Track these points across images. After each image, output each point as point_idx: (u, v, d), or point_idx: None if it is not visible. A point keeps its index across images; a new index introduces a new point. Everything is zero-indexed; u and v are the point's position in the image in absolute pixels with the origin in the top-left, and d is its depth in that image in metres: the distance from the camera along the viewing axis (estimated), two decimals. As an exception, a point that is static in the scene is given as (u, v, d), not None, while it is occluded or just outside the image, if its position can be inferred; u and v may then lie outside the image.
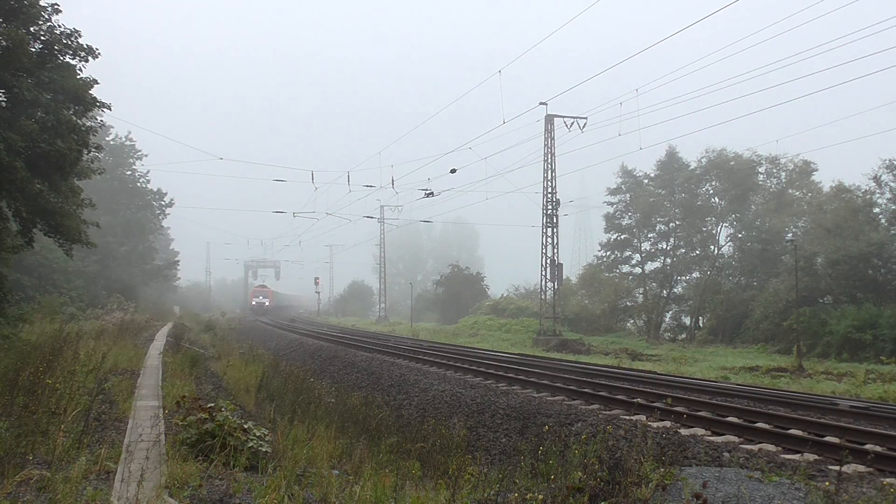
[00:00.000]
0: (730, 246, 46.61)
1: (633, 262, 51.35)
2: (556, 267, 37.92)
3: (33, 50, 16.23)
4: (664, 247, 49.83)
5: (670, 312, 49.44)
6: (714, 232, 47.07)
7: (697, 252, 47.86)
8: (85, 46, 17.20)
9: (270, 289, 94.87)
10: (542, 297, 38.68)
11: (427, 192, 34.74)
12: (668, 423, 9.81)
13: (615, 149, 34.14)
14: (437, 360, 21.37)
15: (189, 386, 12.52)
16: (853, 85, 22.09)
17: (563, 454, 7.71)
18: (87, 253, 29.04)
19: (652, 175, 49.46)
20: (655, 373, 20.07)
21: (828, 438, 8.79)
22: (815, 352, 28.43)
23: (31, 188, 15.85)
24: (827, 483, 5.64)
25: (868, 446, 8.06)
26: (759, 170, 44.59)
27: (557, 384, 14.83)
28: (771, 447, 8.53)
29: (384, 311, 73.70)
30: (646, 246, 50.54)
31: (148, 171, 52.64)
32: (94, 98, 17.69)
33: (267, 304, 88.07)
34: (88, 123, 18.65)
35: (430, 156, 35.34)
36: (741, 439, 9.10)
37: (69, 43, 17.00)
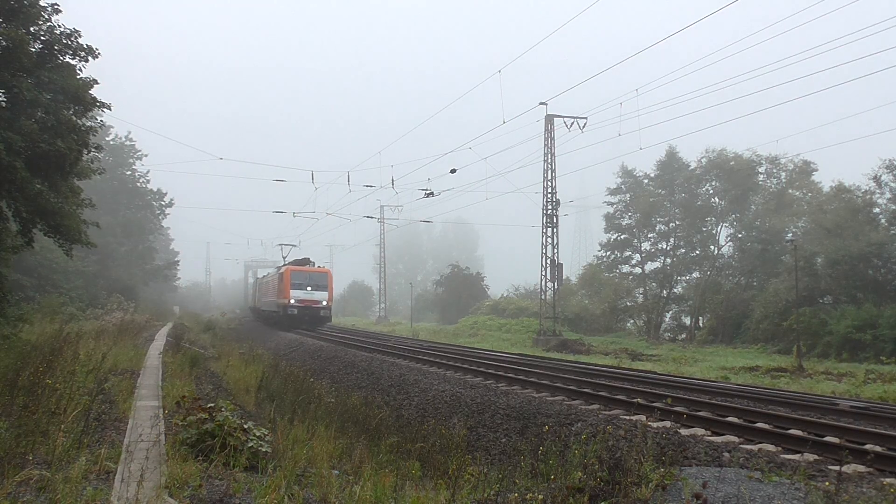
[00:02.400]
0: (730, 246, 46.67)
1: (633, 262, 51.36)
2: (556, 267, 37.91)
3: (33, 50, 16.23)
4: (664, 247, 49.84)
5: (670, 312, 49.46)
6: (714, 232, 47.09)
7: (697, 252, 47.86)
8: (85, 46, 17.21)
9: (327, 270, 46.21)
10: (542, 297, 38.68)
11: (427, 192, 34.71)
12: (668, 423, 9.81)
13: (615, 149, 34.12)
14: (437, 360, 21.37)
15: (189, 386, 12.51)
16: (853, 85, 22.10)
17: (562, 454, 7.71)
18: (87, 253, 29.05)
19: (652, 175, 49.48)
20: (655, 373, 20.06)
21: (828, 438, 8.78)
22: (815, 352, 28.43)
23: (31, 188, 15.85)
24: (827, 483, 5.64)
25: (868, 446, 8.06)
26: (759, 170, 44.62)
27: (557, 384, 14.82)
28: (771, 447, 8.53)
29: (384, 311, 73.69)
30: (646, 246, 50.57)
31: (148, 171, 52.75)
32: (94, 98, 17.70)
33: (324, 303, 42.39)
34: (88, 123, 18.66)
35: (430, 156, 35.35)
36: (741, 439, 9.09)
37: (69, 43, 17.00)
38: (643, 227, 49.63)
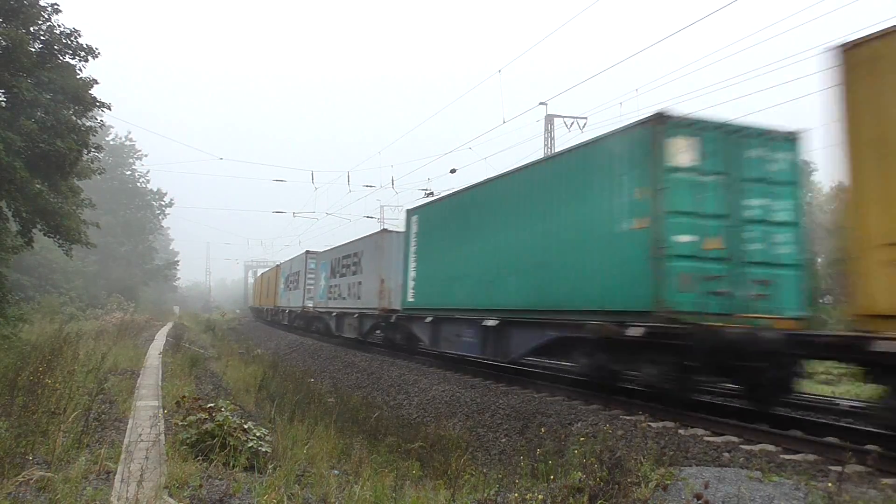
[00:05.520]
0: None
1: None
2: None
3: (33, 50, 16.25)
4: (664, 247, 49.86)
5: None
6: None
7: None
8: (85, 46, 17.24)
9: None
10: (543, 297, 38.35)
11: (427, 192, 34.71)
12: (668, 423, 9.81)
13: (615, 149, 34.04)
14: (436, 359, 21.36)
15: (189, 386, 12.52)
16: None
17: (562, 454, 7.71)
18: (87, 253, 29.07)
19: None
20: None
21: (828, 438, 8.78)
22: (815, 352, 28.39)
23: (31, 188, 15.87)
24: (830, 485, 5.64)
25: (868, 446, 8.06)
26: (759, 170, 44.62)
27: (557, 384, 14.82)
28: (771, 447, 8.52)
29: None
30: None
31: (148, 171, 52.98)
32: (94, 98, 17.74)
33: None
34: (88, 123, 18.69)
35: (430, 156, 35.41)
36: (741, 439, 9.09)
37: (69, 43, 17.03)
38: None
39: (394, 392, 16.87)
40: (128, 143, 53.00)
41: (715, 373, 9.60)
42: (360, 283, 23.87)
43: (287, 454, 7.23)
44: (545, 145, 36.62)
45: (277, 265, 45.16)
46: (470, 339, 15.17)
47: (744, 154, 9.75)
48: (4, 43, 15.05)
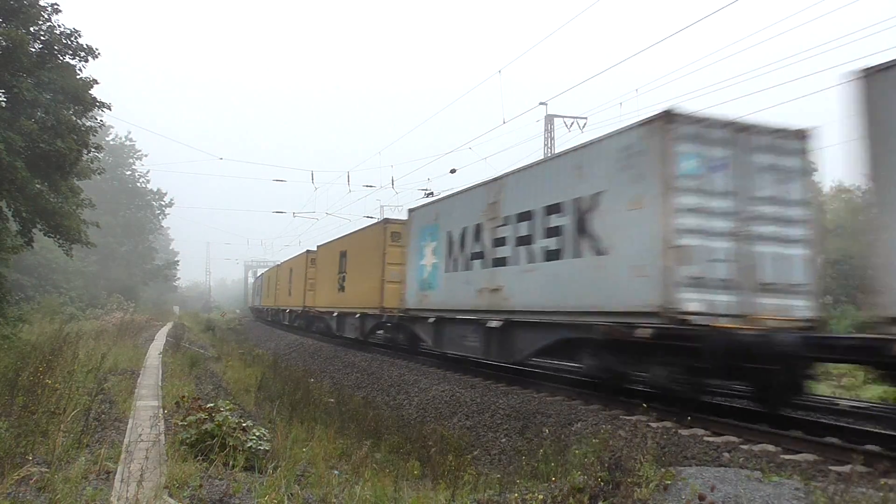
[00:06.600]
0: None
1: (633, 262, 51.26)
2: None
3: (33, 50, 16.25)
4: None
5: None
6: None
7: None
8: (85, 46, 17.24)
9: None
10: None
11: (427, 192, 34.70)
12: (668, 423, 9.81)
13: (615, 149, 33.98)
14: (437, 359, 21.35)
15: (189, 386, 12.52)
16: (853, 85, 22.04)
17: (562, 454, 7.71)
18: (87, 253, 29.08)
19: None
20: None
21: (828, 438, 8.78)
22: (816, 352, 28.30)
23: (31, 188, 15.87)
24: (832, 489, 5.64)
25: (868, 446, 8.06)
26: (759, 170, 44.54)
27: (557, 384, 14.82)
28: (771, 447, 8.52)
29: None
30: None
31: (148, 171, 53.01)
32: (94, 98, 17.74)
33: None
34: (88, 123, 18.68)
35: (430, 156, 35.43)
36: (741, 439, 9.09)
37: (69, 43, 17.03)
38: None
39: (394, 392, 16.87)
40: (128, 143, 53.08)
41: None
42: None
43: (287, 454, 7.23)
44: (545, 145, 36.63)
45: (385, 219, 23.74)
46: None
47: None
48: (4, 43, 15.05)
